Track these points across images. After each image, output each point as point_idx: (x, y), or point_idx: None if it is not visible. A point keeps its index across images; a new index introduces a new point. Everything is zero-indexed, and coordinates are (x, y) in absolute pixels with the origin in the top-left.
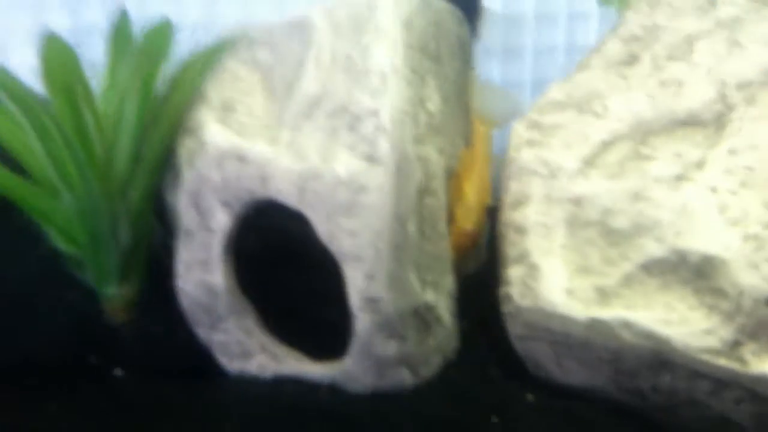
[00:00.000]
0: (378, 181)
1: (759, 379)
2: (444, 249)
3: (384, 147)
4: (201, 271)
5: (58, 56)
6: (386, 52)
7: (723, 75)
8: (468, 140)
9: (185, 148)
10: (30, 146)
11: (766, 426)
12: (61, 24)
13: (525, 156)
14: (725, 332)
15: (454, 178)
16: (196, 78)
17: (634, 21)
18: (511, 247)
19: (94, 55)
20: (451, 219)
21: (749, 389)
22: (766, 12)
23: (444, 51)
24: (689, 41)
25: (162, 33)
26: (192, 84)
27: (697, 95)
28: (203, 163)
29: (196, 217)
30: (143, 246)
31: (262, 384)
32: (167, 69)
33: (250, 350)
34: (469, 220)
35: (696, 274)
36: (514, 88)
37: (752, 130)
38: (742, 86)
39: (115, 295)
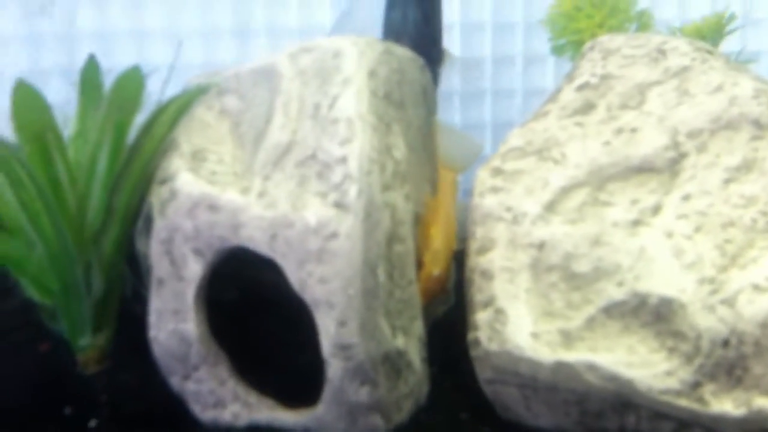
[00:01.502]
0: (347, 228)
1: (718, 419)
2: (413, 294)
3: (353, 194)
4: (173, 320)
5: (28, 103)
6: (352, 101)
7: (674, 123)
8: (435, 186)
9: (157, 197)
10: (2, 195)
11: None
12: (20, 65)
13: (489, 202)
14: (685, 373)
15: (421, 223)
16: (167, 127)
17: (588, 70)
18: (478, 292)
19: (53, 97)
20: (419, 264)
21: (710, 429)
22: (713, 61)
23: (408, 98)
24: (641, 90)
25: (133, 81)
26: (163, 133)
27: (650, 143)
28: (175, 212)
29: (168, 266)
30: (115, 295)
31: None
32: (138, 117)
33: (223, 399)
34: (436, 265)
35: (655, 316)
36: (475, 130)
37: (704, 177)
38: (693, 134)
39: (88, 345)
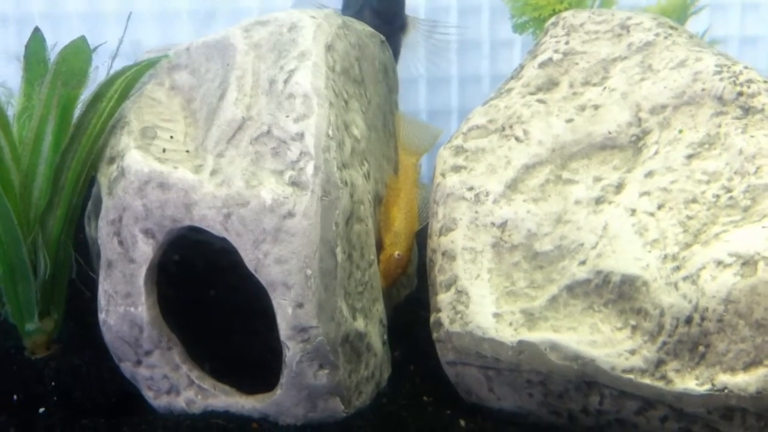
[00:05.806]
0: (304, 206)
1: (682, 397)
2: (374, 276)
3: (310, 172)
4: (124, 303)
5: None
6: (309, 76)
7: (637, 99)
8: (395, 166)
9: (105, 176)
10: None
11: None
12: None
13: (451, 181)
14: (649, 352)
15: (382, 204)
16: (114, 101)
17: (551, 46)
18: (440, 273)
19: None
20: (380, 246)
21: (674, 407)
22: (677, 37)
23: (367, 75)
24: (605, 66)
25: (79, 53)
26: (110, 107)
27: (613, 120)
28: (124, 191)
29: (117, 248)
30: (63, 277)
31: (191, 420)
32: (84, 92)
33: (177, 385)
34: (397, 246)
35: (618, 295)
36: (441, 116)
37: (667, 153)
38: (656, 110)
39: (35, 329)
